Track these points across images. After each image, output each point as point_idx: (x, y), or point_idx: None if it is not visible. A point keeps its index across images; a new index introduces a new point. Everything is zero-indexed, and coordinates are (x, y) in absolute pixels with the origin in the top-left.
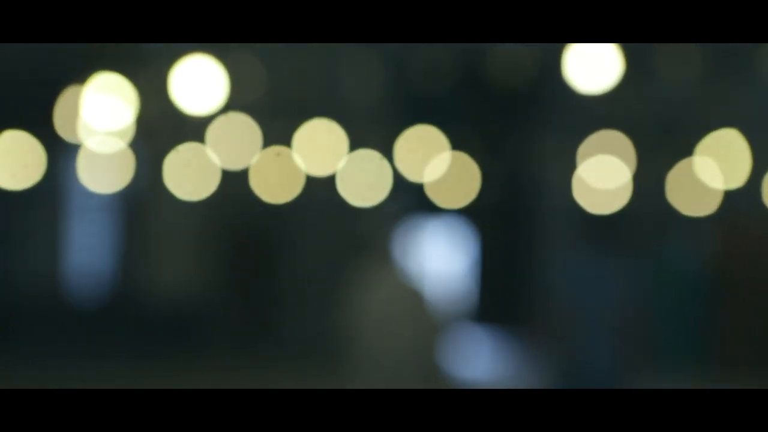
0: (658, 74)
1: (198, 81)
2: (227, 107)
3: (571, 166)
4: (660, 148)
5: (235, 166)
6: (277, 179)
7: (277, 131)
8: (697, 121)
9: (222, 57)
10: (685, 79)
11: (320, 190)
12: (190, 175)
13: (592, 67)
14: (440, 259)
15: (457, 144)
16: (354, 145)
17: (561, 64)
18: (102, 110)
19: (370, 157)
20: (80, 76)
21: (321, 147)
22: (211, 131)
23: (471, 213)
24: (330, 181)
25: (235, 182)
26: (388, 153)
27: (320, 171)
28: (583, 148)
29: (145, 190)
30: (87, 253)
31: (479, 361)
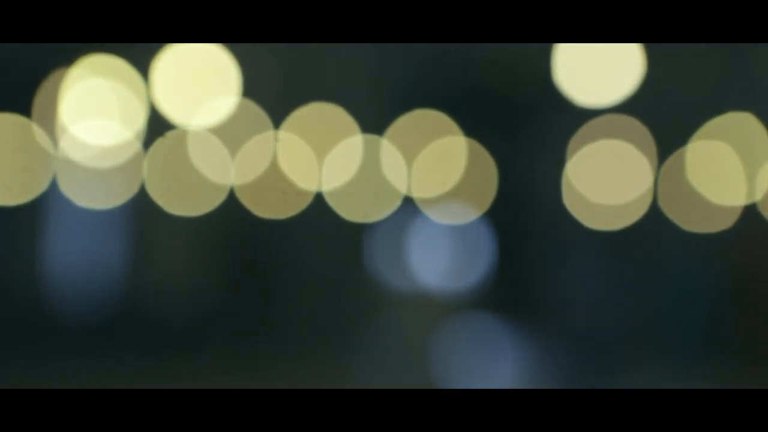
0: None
1: (205, 70)
2: (235, 95)
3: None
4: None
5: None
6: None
7: (280, 118)
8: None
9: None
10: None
11: (323, 203)
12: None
13: (610, 69)
14: (449, 263)
15: (469, 132)
16: (355, 131)
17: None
18: (106, 112)
19: (374, 143)
20: (71, 61)
21: (323, 129)
22: (223, 121)
23: (489, 215)
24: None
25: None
26: (394, 140)
27: (321, 156)
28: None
29: (150, 201)
30: (88, 258)
31: (485, 364)
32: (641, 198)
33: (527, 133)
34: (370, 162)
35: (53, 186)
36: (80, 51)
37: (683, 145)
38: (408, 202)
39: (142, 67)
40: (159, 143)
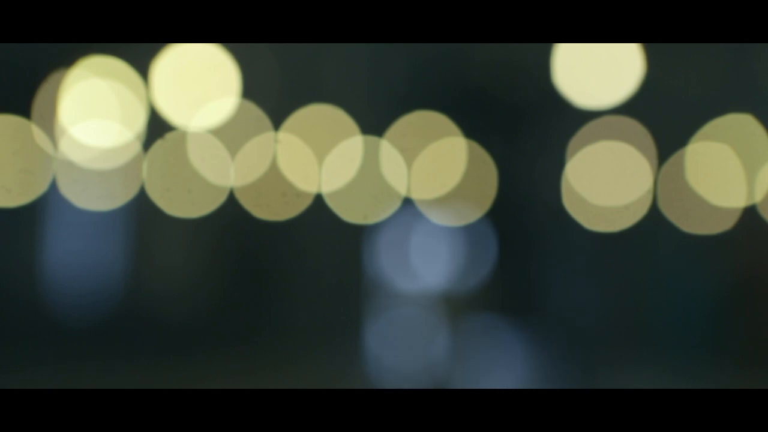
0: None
1: (205, 71)
2: (235, 96)
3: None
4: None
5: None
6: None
7: (280, 120)
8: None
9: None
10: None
11: (322, 205)
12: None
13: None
14: (449, 265)
15: (468, 134)
16: (355, 132)
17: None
18: (105, 113)
19: (373, 144)
20: (68, 61)
21: (322, 131)
22: (222, 123)
23: (489, 216)
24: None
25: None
26: (393, 141)
27: (321, 157)
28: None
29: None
30: (88, 259)
31: (485, 364)
32: (641, 199)
33: (527, 134)
34: (370, 163)
35: (53, 187)
36: (80, 51)
37: (683, 146)
38: (408, 203)
39: (142, 68)
40: (159, 144)
